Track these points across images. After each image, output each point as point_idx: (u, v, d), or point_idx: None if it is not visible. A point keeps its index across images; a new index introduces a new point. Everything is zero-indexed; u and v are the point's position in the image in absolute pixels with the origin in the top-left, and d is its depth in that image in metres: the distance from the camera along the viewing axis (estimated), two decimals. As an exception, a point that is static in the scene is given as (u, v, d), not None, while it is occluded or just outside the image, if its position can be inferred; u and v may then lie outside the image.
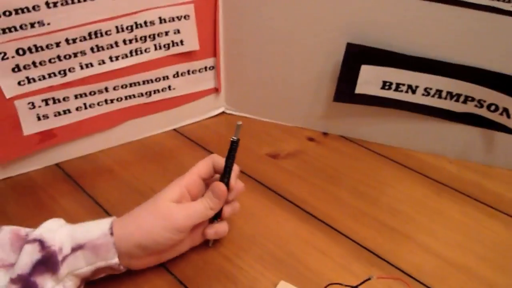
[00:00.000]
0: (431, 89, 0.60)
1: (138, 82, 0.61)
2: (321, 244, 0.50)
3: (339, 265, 0.47)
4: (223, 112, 0.73)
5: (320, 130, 0.70)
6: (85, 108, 0.59)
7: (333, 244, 0.50)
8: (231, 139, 0.47)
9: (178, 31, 0.60)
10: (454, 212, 0.55)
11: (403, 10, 0.56)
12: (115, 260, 0.40)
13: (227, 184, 0.46)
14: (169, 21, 0.58)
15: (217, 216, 0.47)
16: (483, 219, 0.55)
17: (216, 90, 0.69)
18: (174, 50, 0.61)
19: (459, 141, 0.64)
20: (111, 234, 0.40)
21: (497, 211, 0.56)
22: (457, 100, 0.60)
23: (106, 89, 0.59)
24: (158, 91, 0.63)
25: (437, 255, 0.49)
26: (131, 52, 0.58)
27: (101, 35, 0.55)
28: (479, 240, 0.52)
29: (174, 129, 0.69)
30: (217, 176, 0.48)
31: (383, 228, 0.52)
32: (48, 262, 0.37)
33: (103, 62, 0.57)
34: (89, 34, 0.54)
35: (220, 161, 0.47)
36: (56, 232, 0.39)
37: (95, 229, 0.40)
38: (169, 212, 0.42)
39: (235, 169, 0.47)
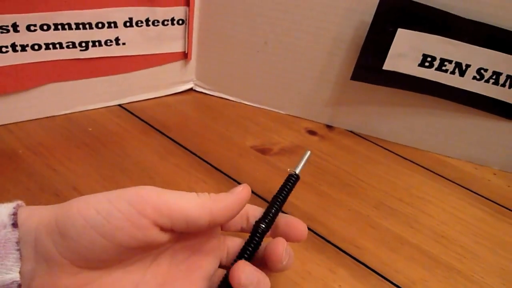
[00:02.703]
0: (486, 70, 0.43)
1: (69, 24, 0.40)
2: (348, 290, 0.31)
3: (382, 327, 0.29)
4: (191, 89, 0.53)
5: (323, 122, 0.52)
6: (-23, 53, 0.37)
7: (368, 291, 0.31)
8: (291, 172, 0.29)
9: (136, -46, 0.40)
10: (522, 244, 0.39)
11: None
12: (12, 275, 0.21)
13: (265, 228, 0.27)
14: None
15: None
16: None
17: (185, 55, 0.50)
18: (128, -16, 0.41)
19: (509, 147, 0.48)
20: (13, 225, 0.22)
21: None
22: (518, 89, 0.44)
23: (15, 27, 0.37)
24: (100, 43, 0.43)
25: (522, 312, 0.32)
26: (59, -27, 0.37)
27: None
28: None
29: (120, 105, 0.48)
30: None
31: (433, 264, 0.35)
32: None
33: (11, -18, 0.36)
34: None
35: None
36: None
37: None
38: (139, 192, 0.23)
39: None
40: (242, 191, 0.25)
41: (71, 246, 0.21)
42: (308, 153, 0.31)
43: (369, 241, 0.36)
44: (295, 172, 0.29)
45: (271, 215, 0.27)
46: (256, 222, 0.27)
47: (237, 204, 0.25)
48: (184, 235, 0.26)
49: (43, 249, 0.22)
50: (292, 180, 0.29)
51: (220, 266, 0.27)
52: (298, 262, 0.32)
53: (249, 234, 0.26)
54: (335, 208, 0.38)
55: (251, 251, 0.26)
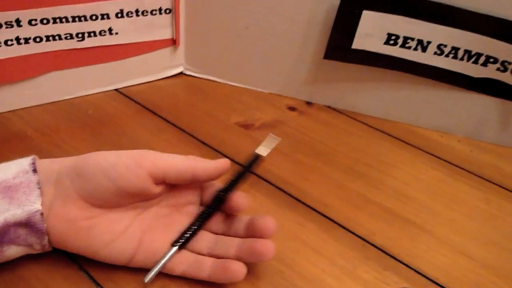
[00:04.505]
0: (445, 46, 0.48)
1: (66, 18, 0.45)
2: (314, 240, 0.36)
3: (341, 269, 0.34)
4: (181, 73, 0.58)
5: (303, 98, 0.56)
6: (-14, 47, 0.42)
7: (331, 240, 0.36)
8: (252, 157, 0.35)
9: (124, -48, 0.44)
10: (475, 199, 0.44)
11: None
12: (36, 206, 0.27)
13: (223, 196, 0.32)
14: None
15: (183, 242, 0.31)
16: (510, 207, 0.43)
17: (174, 42, 0.54)
18: (118, -21, 0.46)
19: (472, 116, 0.52)
20: (34, 171, 0.28)
21: (522, 199, 0.45)
22: (475, 62, 0.48)
23: (18, 22, 0.42)
24: (95, 34, 0.47)
25: (466, 254, 0.37)
26: (55, -28, 0.42)
27: None
28: (511, 234, 0.40)
29: (116, 89, 0.53)
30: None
31: (392, 218, 0.40)
32: None
33: (13, -18, 0.40)
34: None
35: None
36: None
37: (11, 167, 0.29)
38: (141, 151, 0.30)
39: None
40: (222, 162, 0.31)
41: (84, 184, 0.28)
42: (275, 138, 0.36)
43: (336, 200, 0.41)
44: (257, 152, 0.35)
45: (230, 184, 0.33)
46: (218, 191, 0.32)
47: (214, 168, 0.31)
48: (168, 197, 0.31)
49: (62, 185, 0.28)
50: (254, 160, 0.34)
51: None
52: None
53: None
54: (308, 173, 0.43)
55: (210, 211, 0.32)
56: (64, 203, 0.28)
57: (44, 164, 0.29)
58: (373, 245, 0.37)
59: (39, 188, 0.28)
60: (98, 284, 0.30)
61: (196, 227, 0.31)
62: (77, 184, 0.28)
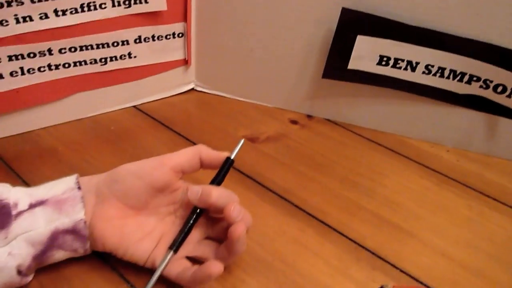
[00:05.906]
0: (433, 66, 0.52)
1: (91, 46, 0.50)
2: (312, 243, 0.41)
3: (336, 268, 0.39)
4: (192, 89, 0.63)
5: (304, 112, 0.61)
6: (22, 73, 0.47)
7: (327, 243, 0.41)
8: (227, 157, 0.38)
9: (142, -14, 0.50)
10: (458, 206, 0.49)
11: (408, -28, 0.48)
12: (80, 215, 0.33)
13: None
14: (131, -29, 0.48)
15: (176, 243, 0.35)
16: (490, 213, 0.48)
17: (186, 62, 0.59)
18: (137, 9, 0.51)
19: (459, 128, 0.57)
20: (78, 188, 0.35)
21: (502, 205, 0.50)
22: (460, 80, 0.53)
23: (50, 51, 0.48)
24: (116, 58, 0.53)
25: (446, 256, 0.42)
26: (82, 6, 0.47)
27: (44, -18, 0.44)
28: (488, 238, 0.45)
29: (134, 106, 0.58)
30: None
31: (382, 224, 0.45)
32: None
33: (46, 17, 0.45)
34: (28, -22, 0.43)
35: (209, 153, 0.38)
36: (11, 188, 0.34)
37: (59, 184, 0.35)
38: (159, 156, 0.37)
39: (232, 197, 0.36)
40: (222, 154, 0.38)
41: (119, 187, 0.35)
42: (242, 141, 0.39)
43: (333, 207, 0.46)
44: (231, 157, 0.38)
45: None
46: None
47: (216, 155, 0.38)
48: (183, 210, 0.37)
49: (102, 193, 0.35)
50: (228, 165, 0.38)
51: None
52: (276, 224, 0.43)
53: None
54: (307, 183, 0.48)
55: (197, 215, 0.36)
56: (103, 206, 0.35)
57: (85, 180, 0.36)
58: (364, 247, 0.42)
59: (82, 201, 0.34)
60: (128, 282, 0.36)
61: (187, 230, 0.35)
62: (113, 188, 0.35)
